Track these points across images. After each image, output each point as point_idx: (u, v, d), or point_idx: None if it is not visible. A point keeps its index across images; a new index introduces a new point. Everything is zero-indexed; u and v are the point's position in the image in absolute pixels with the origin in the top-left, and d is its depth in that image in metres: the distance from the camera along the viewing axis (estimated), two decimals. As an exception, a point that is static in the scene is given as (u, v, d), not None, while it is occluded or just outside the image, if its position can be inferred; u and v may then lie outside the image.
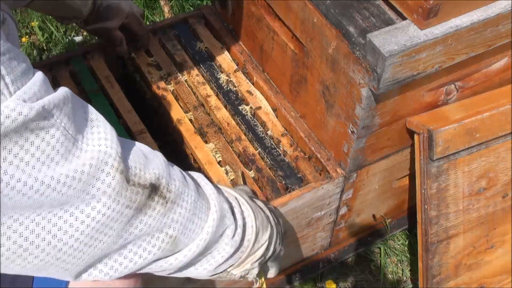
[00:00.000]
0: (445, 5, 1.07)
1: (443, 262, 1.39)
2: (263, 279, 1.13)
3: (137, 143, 0.87)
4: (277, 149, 1.43)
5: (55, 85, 1.52)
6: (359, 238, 1.64)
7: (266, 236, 1.04)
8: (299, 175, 1.39)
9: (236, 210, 1.00)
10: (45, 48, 2.14)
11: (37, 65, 1.55)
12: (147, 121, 1.47)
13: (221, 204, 0.96)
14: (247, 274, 1.05)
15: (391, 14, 1.15)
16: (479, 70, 1.32)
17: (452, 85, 1.31)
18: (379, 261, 1.66)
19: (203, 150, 1.40)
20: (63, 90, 0.74)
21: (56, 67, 1.55)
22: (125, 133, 1.43)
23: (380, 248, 1.67)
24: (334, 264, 1.62)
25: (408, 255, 1.68)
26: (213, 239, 0.94)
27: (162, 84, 1.53)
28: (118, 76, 1.57)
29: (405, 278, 1.65)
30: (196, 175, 1.00)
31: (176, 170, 0.91)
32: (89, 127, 0.77)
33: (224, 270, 1.01)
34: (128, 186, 0.79)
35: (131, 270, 0.87)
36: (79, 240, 0.77)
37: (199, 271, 0.98)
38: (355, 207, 1.50)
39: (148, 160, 0.85)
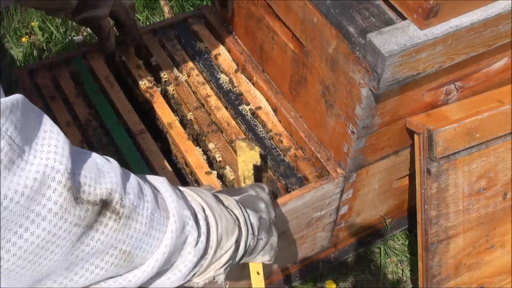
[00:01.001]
0: (445, 5, 1.07)
1: (443, 262, 1.39)
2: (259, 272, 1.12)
3: (93, 154, 0.83)
4: (277, 149, 1.43)
5: (55, 85, 1.52)
6: (359, 238, 1.64)
7: (231, 240, 1.01)
8: (299, 175, 1.39)
9: (200, 216, 0.97)
10: (45, 48, 2.14)
11: (37, 65, 1.55)
12: (147, 121, 1.47)
13: (180, 212, 0.92)
14: (213, 280, 1.03)
15: (391, 14, 1.15)
16: (479, 70, 1.32)
17: (452, 85, 1.31)
18: (379, 261, 1.66)
19: (193, 154, 1.39)
20: (14, 97, 0.70)
21: (56, 67, 1.55)
22: (125, 133, 1.43)
23: (380, 248, 1.67)
24: (334, 264, 1.62)
25: (408, 255, 1.68)
26: (174, 250, 0.91)
27: (152, 87, 1.52)
28: (118, 76, 1.57)
29: (405, 278, 1.65)
30: (158, 180, 0.97)
31: (132, 181, 0.87)
32: (40, 138, 0.73)
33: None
34: (77, 204, 0.75)
35: (81, 285, 0.83)
36: (21, 258, 0.73)
37: (163, 281, 0.95)
38: (355, 207, 1.50)
39: (101, 173, 0.80)
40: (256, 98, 1.51)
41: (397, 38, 1.08)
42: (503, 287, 1.49)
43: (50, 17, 2.19)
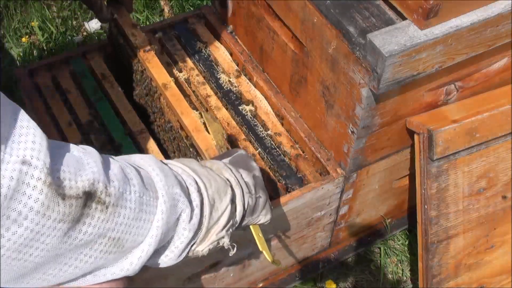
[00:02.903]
0: (445, 5, 1.07)
1: (443, 262, 1.39)
2: (268, 253, 1.12)
3: (70, 146, 0.81)
4: (277, 149, 1.43)
5: (55, 85, 1.52)
6: (359, 238, 1.64)
7: (226, 200, 0.99)
8: (299, 175, 1.39)
9: (192, 188, 0.95)
10: (45, 48, 2.14)
11: (37, 65, 1.55)
12: (147, 121, 1.47)
13: (170, 191, 0.90)
14: (217, 245, 1.01)
15: (391, 14, 1.15)
16: (479, 70, 1.32)
17: (452, 85, 1.31)
18: (379, 261, 1.66)
19: (190, 116, 1.33)
20: None
21: (56, 67, 1.55)
22: (125, 133, 1.43)
23: (380, 248, 1.67)
24: (334, 264, 1.62)
25: (408, 255, 1.68)
26: (166, 231, 0.90)
27: (146, 46, 1.45)
28: (118, 76, 1.57)
29: (405, 278, 1.65)
30: (144, 159, 0.94)
31: (114, 166, 0.84)
32: (17, 135, 0.70)
33: (188, 252, 0.98)
34: (59, 200, 0.73)
35: (72, 275, 0.83)
36: (5, 256, 0.72)
37: (162, 259, 0.95)
38: (355, 207, 1.50)
39: (81, 165, 0.78)
40: (256, 98, 1.51)
41: (397, 38, 1.08)
42: (503, 287, 1.49)
43: (50, 17, 2.19)
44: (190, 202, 0.94)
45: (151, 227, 0.87)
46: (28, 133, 0.72)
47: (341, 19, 1.15)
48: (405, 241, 1.70)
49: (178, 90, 1.38)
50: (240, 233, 1.29)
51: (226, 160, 1.10)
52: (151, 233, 0.87)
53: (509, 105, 1.33)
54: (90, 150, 0.83)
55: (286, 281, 1.56)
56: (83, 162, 0.79)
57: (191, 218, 0.93)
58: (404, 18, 1.13)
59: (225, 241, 1.01)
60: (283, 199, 1.30)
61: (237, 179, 1.04)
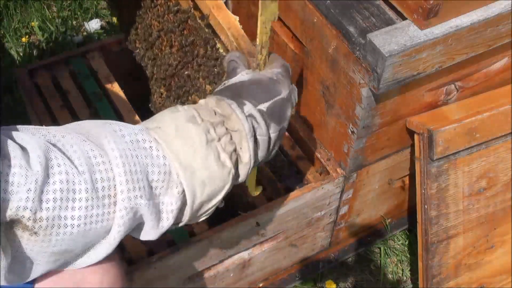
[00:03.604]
0: (445, 5, 1.07)
1: (443, 262, 1.39)
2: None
3: (14, 162, 0.71)
4: (277, 149, 1.43)
5: (55, 85, 1.52)
6: (359, 238, 1.64)
7: (218, 198, 0.86)
8: (299, 175, 1.39)
9: (175, 191, 0.83)
10: (45, 48, 2.14)
11: (37, 65, 1.55)
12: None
13: (132, 203, 0.79)
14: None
15: (391, 14, 1.15)
16: (479, 70, 1.32)
17: (452, 85, 1.31)
18: (379, 261, 1.66)
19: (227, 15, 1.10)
20: None
21: (56, 67, 1.55)
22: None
23: (380, 248, 1.67)
24: (334, 264, 1.62)
25: (408, 255, 1.68)
26: (128, 229, 0.81)
27: None
28: (119, 75, 1.57)
29: (405, 278, 1.65)
30: (112, 144, 0.79)
31: (57, 178, 0.74)
32: None
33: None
34: None
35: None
36: None
37: (143, 236, 0.86)
38: (355, 207, 1.50)
39: (10, 189, 0.70)
40: (256, 98, 1.51)
41: (397, 38, 1.08)
42: (503, 287, 1.49)
43: (50, 17, 2.19)
44: (161, 211, 0.83)
45: (114, 219, 0.79)
46: None
47: (341, 19, 1.15)
48: (405, 241, 1.70)
49: None
50: (240, 232, 1.29)
51: (263, 107, 0.90)
52: (115, 228, 0.79)
53: (509, 105, 1.33)
54: (33, 162, 0.73)
55: (286, 281, 1.56)
56: (12, 191, 0.70)
57: (160, 223, 0.83)
58: (404, 18, 1.13)
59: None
60: (283, 199, 1.30)
61: (254, 152, 0.89)
